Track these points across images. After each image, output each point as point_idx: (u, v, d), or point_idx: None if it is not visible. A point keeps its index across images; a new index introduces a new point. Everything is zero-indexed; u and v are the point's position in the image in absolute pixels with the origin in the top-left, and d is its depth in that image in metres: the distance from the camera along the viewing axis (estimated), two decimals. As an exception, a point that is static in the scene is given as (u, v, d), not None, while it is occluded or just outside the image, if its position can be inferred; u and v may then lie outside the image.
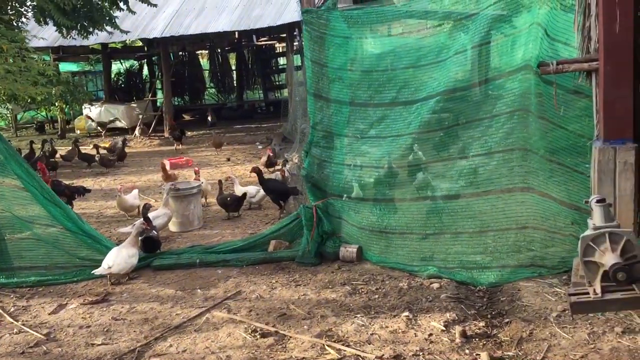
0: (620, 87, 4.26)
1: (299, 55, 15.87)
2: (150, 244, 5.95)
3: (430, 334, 3.91)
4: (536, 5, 5.21)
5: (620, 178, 4.26)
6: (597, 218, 3.22)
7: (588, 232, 3.17)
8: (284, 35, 17.12)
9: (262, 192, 7.93)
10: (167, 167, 12.01)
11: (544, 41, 5.03)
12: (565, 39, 4.97)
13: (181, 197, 7.31)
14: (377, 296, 4.65)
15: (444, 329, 3.96)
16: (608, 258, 3.04)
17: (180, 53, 22.62)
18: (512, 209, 5.30)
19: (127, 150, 13.36)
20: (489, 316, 4.18)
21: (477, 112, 5.65)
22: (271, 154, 10.83)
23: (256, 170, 8.00)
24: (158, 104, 20.53)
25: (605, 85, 4.29)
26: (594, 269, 3.12)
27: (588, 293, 3.11)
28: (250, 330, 4.21)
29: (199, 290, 5.13)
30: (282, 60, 23.77)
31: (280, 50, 23.64)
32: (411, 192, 5.89)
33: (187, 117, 22.06)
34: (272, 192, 7.72)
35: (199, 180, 8.19)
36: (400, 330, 4.00)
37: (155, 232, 6.13)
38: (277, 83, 24.02)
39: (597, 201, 3.26)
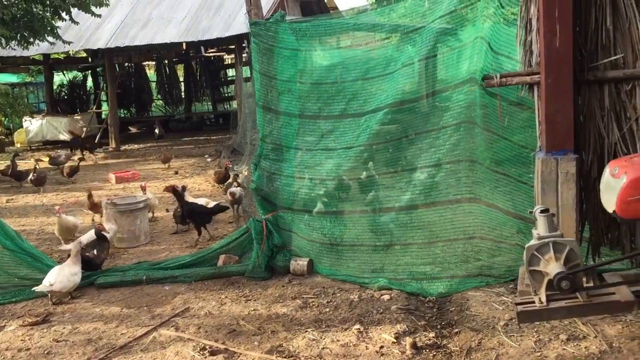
0: (561, 100, 4.38)
1: (248, 67, 15.82)
2: (83, 265, 5.62)
3: (382, 347, 3.90)
4: (480, 19, 5.34)
5: (562, 188, 4.37)
6: (541, 228, 3.29)
7: (533, 242, 3.23)
8: (233, 46, 17.04)
9: (211, 204, 7.81)
10: (113, 180, 11.76)
11: (488, 54, 5.15)
12: (508, 53, 5.10)
13: (127, 212, 7.11)
14: (328, 309, 4.62)
15: (394, 340, 3.96)
16: (552, 267, 3.11)
17: (126, 64, 22.18)
18: (459, 220, 5.38)
19: (70, 163, 12.91)
20: (438, 326, 4.21)
21: (425, 124, 5.74)
22: (229, 165, 10.55)
23: (170, 189, 7.34)
24: (103, 116, 20.04)
25: (546, 98, 4.41)
26: (539, 278, 3.18)
27: (534, 302, 3.17)
28: (198, 348, 4.10)
29: (145, 308, 4.98)
30: (231, 72, 23.64)
31: (229, 62, 23.52)
32: (361, 204, 5.92)
33: (133, 130, 21.61)
34: (192, 216, 7.14)
35: (146, 194, 8.00)
36: (351, 344, 3.98)
37: (96, 253, 5.87)
38: (226, 95, 23.85)
39: (541, 211, 3.33)
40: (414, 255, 5.33)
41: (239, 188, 7.95)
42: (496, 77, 4.72)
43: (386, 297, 4.75)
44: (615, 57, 4.38)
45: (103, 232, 6.18)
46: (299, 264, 5.49)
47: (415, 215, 5.59)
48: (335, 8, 22.18)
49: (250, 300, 4.99)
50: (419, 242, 5.37)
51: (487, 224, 5.29)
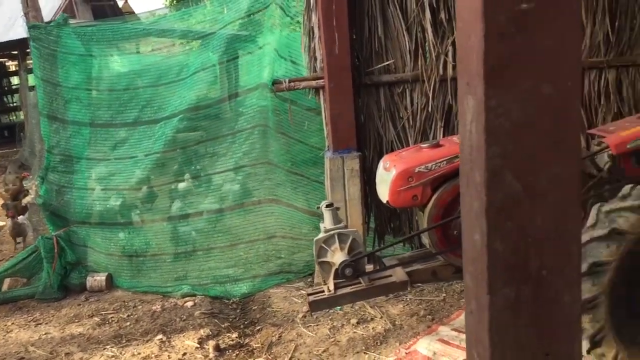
0: (343, 102, 4.72)
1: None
2: None
3: (184, 353, 3.86)
4: (278, 27, 5.55)
5: (349, 184, 4.73)
6: (327, 221, 3.51)
7: (320, 235, 3.44)
8: (16, 52, 15.55)
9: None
10: None
11: (286, 61, 5.38)
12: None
13: None
14: (128, 323, 4.45)
15: (198, 346, 3.94)
16: (338, 257, 3.34)
17: None
18: (261, 221, 5.54)
19: None
20: (242, 326, 4.29)
21: (223, 128, 5.81)
22: (28, 175, 9.40)
23: None
24: None
25: (330, 101, 4.72)
26: (327, 268, 3.39)
27: (324, 291, 3.37)
28: (-21, 384, 3.70)
29: None
30: (15, 80, 21.52)
31: (14, 69, 21.43)
32: (162, 212, 5.79)
33: None
34: None
35: None
36: (153, 355, 3.88)
37: None
38: (11, 105, 21.63)
39: (327, 206, 3.56)
40: (218, 259, 5.37)
41: (22, 216, 6.70)
42: (285, 82, 4.94)
43: (190, 303, 4.71)
44: (387, 63, 4.84)
45: None
46: (97, 279, 5.20)
47: (217, 219, 5.63)
48: (132, 12, 21.37)
49: (41, 324, 4.61)
50: (221, 245, 5.42)
51: (287, 223, 5.52)
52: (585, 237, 2.78)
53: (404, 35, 4.81)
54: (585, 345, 2.77)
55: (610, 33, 4.85)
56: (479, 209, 1.22)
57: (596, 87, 4.97)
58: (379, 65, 4.85)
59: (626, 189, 2.84)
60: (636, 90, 5.00)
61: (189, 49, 6.76)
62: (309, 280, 4.91)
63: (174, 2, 19.89)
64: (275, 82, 4.95)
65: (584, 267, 2.74)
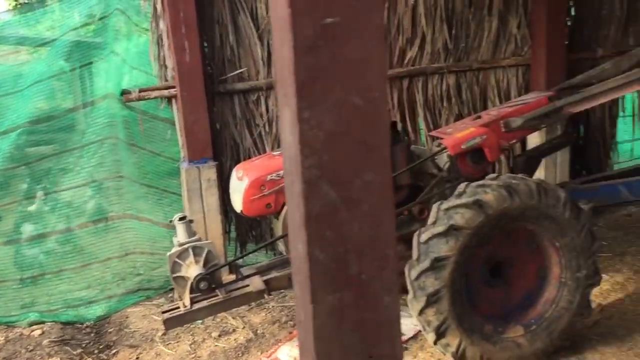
0: (197, 111, 4.63)
1: None
2: None
3: (31, 388, 3.57)
4: (126, 35, 5.31)
5: (206, 194, 4.64)
6: (180, 235, 3.42)
7: (174, 250, 3.34)
8: None
9: None
10: None
11: (143, 72, 5.16)
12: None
13: None
14: (-35, 361, 4.04)
15: (46, 378, 3.66)
16: (192, 270, 3.26)
17: None
18: (117, 237, 5.26)
19: None
20: (96, 351, 4.04)
21: (72, 141, 5.45)
22: None
23: None
24: None
25: (184, 110, 4.61)
26: (182, 283, 3.31)
27: (179, 307, 3.28)
28: None
29: None
30: None
31: None
32: (3, 235, 5.32)
33: None
34: None
35: None
36: (-6, 393, 3.55)
37: None
38: None
39: (180, 219, 3.46)
40: (69, 281, 5.02)
41: None
42: (135, 92, 4.76)
43: (38, 332, 4.35)
44: (239, 71, 4.83)
45: None
46: None
47: (68, 239, 5.28)
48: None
49: None
50: (72, 267, 5.07)
51: (145, 237, 5.30)
52: (427, 235, 2.94)
53: (256, 43, 4.83)
54: (431, 337, 2.93)
55: (448, 41, 5.20)
56: (300, 220, 1.23)
57: (439, 91, 5.30)
58: (232, 73, 4.83)
59: (461, 186, 3.04)
60: (473, 93, 5.40)
61: (37, 56, 6.30)
62: (170, 295, 4.74)
63: (18, 5, 18.52)
64: (124, 92, 4.76)
65: (427, 262, 2.89)
